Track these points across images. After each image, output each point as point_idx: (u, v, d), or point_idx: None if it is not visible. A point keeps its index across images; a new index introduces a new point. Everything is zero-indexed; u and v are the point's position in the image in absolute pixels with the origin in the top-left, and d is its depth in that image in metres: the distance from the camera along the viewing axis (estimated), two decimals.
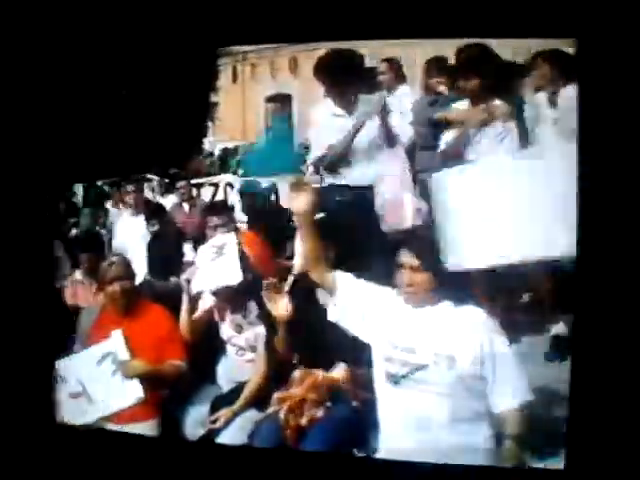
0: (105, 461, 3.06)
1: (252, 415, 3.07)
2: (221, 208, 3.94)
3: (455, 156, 3.15)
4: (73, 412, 3.23)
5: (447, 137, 3.31)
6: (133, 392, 3.17)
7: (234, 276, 3.18)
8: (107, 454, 3.09)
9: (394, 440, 2.58)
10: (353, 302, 2.66)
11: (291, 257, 3.85)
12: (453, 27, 2.73)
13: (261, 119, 5.16)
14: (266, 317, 2.99)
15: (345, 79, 3.36)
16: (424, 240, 2.70)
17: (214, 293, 3.25)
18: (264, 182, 4.48)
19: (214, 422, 3.09)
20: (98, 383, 3.22)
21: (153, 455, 3.11)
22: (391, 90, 3.87)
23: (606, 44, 2.45)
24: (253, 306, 3.19)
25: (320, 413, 2.91)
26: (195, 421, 3.20)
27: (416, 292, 2.54)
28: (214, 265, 3.24)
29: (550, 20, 2.54)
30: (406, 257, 2.54)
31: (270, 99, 5.11)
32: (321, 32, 2.98)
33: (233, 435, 3.06)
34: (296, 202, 2.59)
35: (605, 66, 2.47)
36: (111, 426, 3.19)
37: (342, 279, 2.69)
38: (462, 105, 3.36)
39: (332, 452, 2.80)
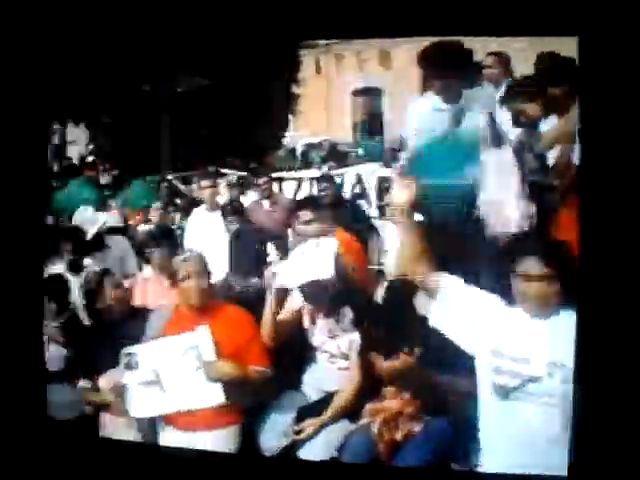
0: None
1: (342, 427, 2.90)
2: (312, 202, 3.75)
3: (567, 168, 2.96)
4: (141, 401, 3.05)
5: (554, 152, 3.15)
6: (215, 395, 2.96)
7: (325, 270, 2.96)
8: (181, 469, 2.95)
9: (498, 454, 2.42)
10: (458, 308, 2.47)
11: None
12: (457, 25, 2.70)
13: (348, 113, 4.98)
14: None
15: (452, 72, 3.22)
16: (553, 247, 2.45)
17: (306, 295, 3.05)
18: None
19: (299, 433, 2.92)
20: (176, 376, 3.02)
21: (230, 468, 2.96)
22: (498, 86, 3.67)
23: (608, 42, 2.40)
24: (348, 311, 3.00)
25: (417, 427, 2.76)
26: (277, 431, 2.99)
27: (543, 304, 2.33)
28: (306, 260, 3.03)
29: (552, 19, 2.51)
30: (534, 266, 2.33)
31: (357, 92, 4.93)
32: (415, 25, 2.83)
33: (319, 448, 2.89)
34: (397, 196, 2.42)
35: (606, 64, 2.42)
36: (182, 431, 3.01)
37: (447, 282, 2.49)
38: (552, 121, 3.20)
39: (428, 466, 2.64)
